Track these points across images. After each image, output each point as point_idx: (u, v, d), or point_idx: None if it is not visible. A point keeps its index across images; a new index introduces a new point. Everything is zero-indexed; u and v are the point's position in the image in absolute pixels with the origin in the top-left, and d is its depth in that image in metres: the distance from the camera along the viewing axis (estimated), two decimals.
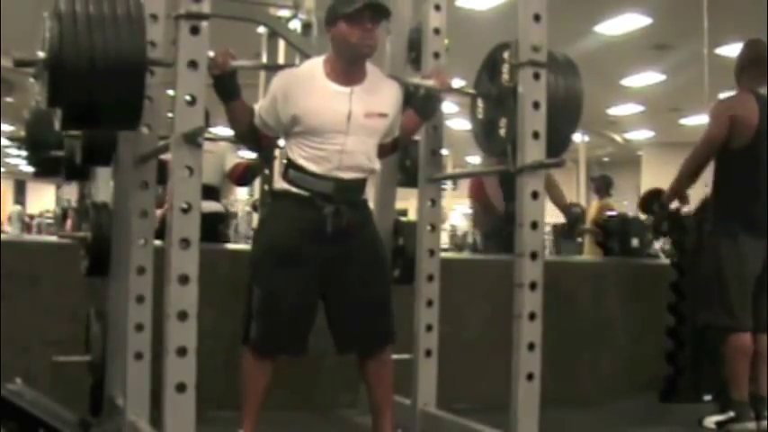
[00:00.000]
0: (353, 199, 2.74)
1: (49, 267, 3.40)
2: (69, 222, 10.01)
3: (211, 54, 2.52)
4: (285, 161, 2.77)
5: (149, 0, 2.84)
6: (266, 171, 4.60)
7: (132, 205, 2.86)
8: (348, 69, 2.70)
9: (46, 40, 2.39)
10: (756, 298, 3.56)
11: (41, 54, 2.42)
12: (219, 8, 3.04)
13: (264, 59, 5.27)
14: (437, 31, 3.23)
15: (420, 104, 2.97)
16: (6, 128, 14.53)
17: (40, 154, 3.67)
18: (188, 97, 2.40)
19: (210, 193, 3.88)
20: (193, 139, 2.40)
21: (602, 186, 8.11)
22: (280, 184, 2.77)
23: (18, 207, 18.49)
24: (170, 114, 2.46)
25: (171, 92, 2.47)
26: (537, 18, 2.74)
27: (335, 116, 2.66)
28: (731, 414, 3.49)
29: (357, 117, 2.68)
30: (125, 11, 2.40)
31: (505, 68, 2.94)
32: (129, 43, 2.38)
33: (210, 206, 3.84)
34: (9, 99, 12.83)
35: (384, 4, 2.68)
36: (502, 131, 2.98)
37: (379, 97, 2.74)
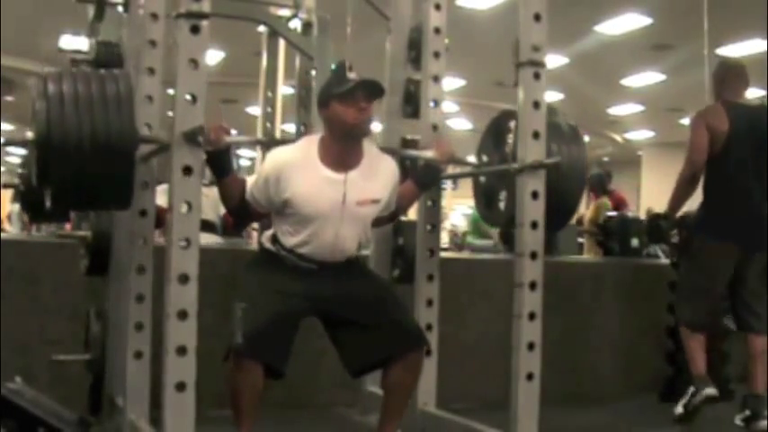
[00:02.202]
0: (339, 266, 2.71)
1: (49, 267, 3.40)
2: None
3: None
4: (273, 232, 2.71)
5: (149, 0, 2.85)
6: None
7: (132, 205, 2.86)
8: (343, 152, 2.63)
9: (34, 120, 2.35)
10: (740, 300, 3.68)
11: (30, 134, 2.39)
12: (220, 7, 3.04)
13: (264, 59, 5.27)
14: (437, 31, 3.23)
15: (419, 176, 2.93)
16: (6, 127, 14.51)
17: (35, 203, 3.66)
18: (188, 96, 2.41)
19: (208, 227, 3.93)
20: (193, 138, 2.40)
21: (597, 185, 7.82)
22: (267, 244, 2.73)
23: (18, 206, 18.43)
24: (170, 113, 2.46)
25: (171, 91, 2.47)
26: (537, 18, 2.74)
27: (329, 204, 2.60)
28: (691, 389, 3.62)
29: (350, 205, 2.62)
30: (114, 90, 2.38)
31: (510, 138, 2.93)
32: (117, 123, 2.35)
33: (209, 238, 3.90)
34: (9, 98, 12.82)
35: (378, 82, 2.63)
36: (501, 204, 2.98)
37: (373, 182, 2.69)
